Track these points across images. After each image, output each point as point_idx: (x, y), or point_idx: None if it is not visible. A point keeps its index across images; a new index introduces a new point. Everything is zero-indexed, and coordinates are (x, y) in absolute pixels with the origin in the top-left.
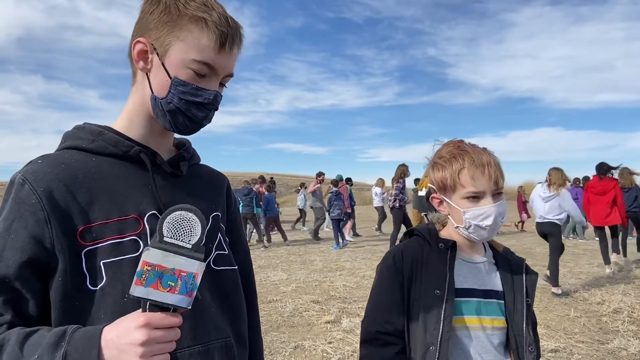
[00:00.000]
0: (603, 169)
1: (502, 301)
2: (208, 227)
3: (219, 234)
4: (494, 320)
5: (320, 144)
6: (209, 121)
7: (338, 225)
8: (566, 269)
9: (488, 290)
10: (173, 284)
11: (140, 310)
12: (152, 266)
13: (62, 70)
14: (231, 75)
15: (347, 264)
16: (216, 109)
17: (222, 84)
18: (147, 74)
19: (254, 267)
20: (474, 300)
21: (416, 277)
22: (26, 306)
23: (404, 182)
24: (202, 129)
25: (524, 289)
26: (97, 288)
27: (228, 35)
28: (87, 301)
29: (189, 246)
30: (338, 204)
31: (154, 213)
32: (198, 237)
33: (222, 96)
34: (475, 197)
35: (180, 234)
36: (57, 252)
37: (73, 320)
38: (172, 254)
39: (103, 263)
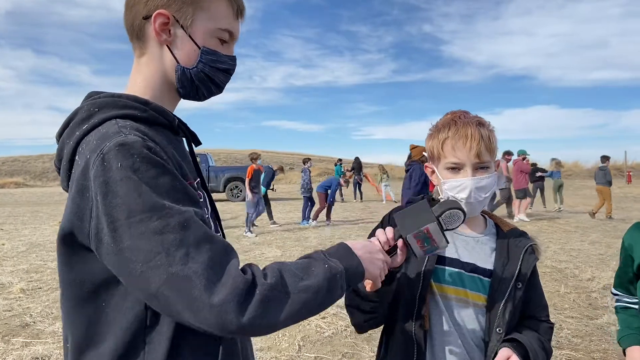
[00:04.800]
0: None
1: (488, 279)
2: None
3: None
4: (475, 295)
5: (315, 121)
6: None
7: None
8: (557, 246)
9: (472, 264)
10: (427, 245)
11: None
12: (429, 233)
13: (52, 45)
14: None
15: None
16: None
17: None
18: (167, 45)
19: (248, 243)
20: (455, 270)
21: None
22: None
23: None
24: (196, 105)
25: (517, 271)
26: None
27: (242, 3)
28: None
29: (451, 228)
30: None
31: (198, 180)
32: (456, 226)
33: None
34: (455, 169)
35: (449, 222)
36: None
37: None
38: (441, 232)
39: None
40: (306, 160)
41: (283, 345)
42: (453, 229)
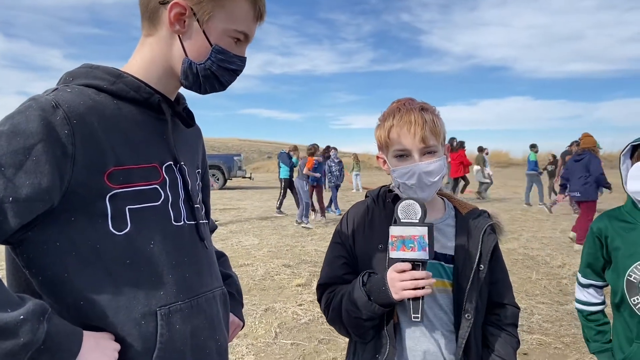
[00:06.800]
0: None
1: (451, 265)
2: (194, 184)
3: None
4: (438, 282)
5: (293, 110)
6: None
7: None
8: (530, 234)
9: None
10: (413, 246)
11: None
12: (397, 237)
13: (23, 28)
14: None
15: (319, 230)
16: None
17: None
18: (179, 35)
19: (225, 232)
20: None
21: (358, 232)
22: None
23: None
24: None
25: (478, 254)
26: (122, 233)
27: (263, 6)
28: (110, 245)
29: (417, 220)
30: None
31: (170, 164)
32: (420, 214)
33: None
34: (403, 156)
35: (409, 214)
36: (70, 192)
37: (95, 263)
38: (406, 226)
39: (129, 209)
40: (328, 149)
41: (259, 332)
42: (422, 215)
